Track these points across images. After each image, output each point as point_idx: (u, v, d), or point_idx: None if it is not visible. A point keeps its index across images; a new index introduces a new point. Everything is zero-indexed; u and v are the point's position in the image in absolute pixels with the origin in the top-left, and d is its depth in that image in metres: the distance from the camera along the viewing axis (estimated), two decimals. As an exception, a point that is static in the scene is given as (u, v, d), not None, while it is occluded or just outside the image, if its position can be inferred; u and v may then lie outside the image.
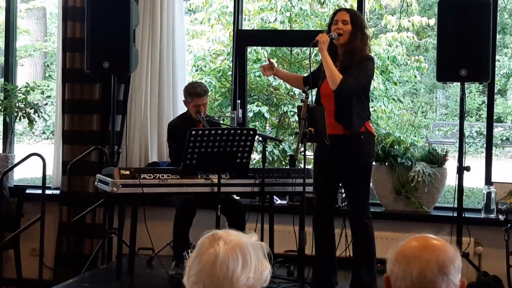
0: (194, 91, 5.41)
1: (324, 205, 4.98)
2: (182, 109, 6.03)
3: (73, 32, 6.20)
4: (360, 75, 4.78)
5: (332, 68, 4.74)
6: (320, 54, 4.82)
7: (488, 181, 5.86)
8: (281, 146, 8.70)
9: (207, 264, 1.94)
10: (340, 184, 5.14)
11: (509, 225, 5.21)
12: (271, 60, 5.31)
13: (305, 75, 5.37)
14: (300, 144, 4.61)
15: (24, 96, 6.46)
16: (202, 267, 1.95)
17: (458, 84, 5.46)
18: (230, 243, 1.97)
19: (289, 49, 9.49)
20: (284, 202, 6.05)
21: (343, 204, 5.45)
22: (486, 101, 6.33)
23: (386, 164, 5.87)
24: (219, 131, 4.93)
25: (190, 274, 1.98)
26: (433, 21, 9.85)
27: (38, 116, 6.53)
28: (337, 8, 9.09)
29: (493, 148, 6.19)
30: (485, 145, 6.08)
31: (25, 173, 8.52)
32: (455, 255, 2.03)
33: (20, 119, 6.50)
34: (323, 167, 4.95)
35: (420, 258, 1.99)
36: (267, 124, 9.37)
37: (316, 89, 4.98)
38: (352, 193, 4.94)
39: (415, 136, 10.53)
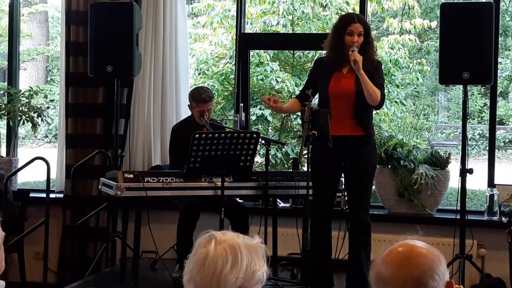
0: (200, 97, 5.42)
1: (325, 208, 4.98)
2: (185, 112, 6.04)
3: (76, 36, 6.22)
4: (383, 82, 5.01)
5: (372, 85, 4.82)
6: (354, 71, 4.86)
7: (491, 183, 5.86)
8: (284, 149, 8.70)
9: (198, 263, 1.99)
10: (343, 186, 5.18)
11: (512, 227, 5.22)
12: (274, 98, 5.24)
13: (297, 94, 5.36)
14: (303, 147, 4.63)
15: (27, 100, 6.47)
16: (194, 265, 2.00)
17: (460, 86, 5.47)
18: (222, 244, 2.00)
19: (292, 52, 9.50)
20: (287, 205, 6.06)
21: (346, 207, 5.46)
22: (488, 103, 6.34)
23: (389, 166, 5.88)
24: (223, 135, 4.94)
25: (186, 271, 2.03)
26: (435, 24, 9.84)
27: (42, 120, 6.54)
28: (339, 11, 9.14)
29: (496, 150, 6.19)
30: (487, 148, 6.09)
31: (28, 176, 8.53)
32: (433, 264, 1.97)
33: (23, 123, 6.52)
34: (328, 170, 4.95)
35: (397, 279, 1.95)
36: (270, 127, 9.38)
37: (321, 90, 5.00)
38: (361, 192, 4.95)
39: (417, 139, 10.52)
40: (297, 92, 8.82)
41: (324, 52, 5.13)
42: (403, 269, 1.95)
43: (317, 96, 5.10)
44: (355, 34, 4.88)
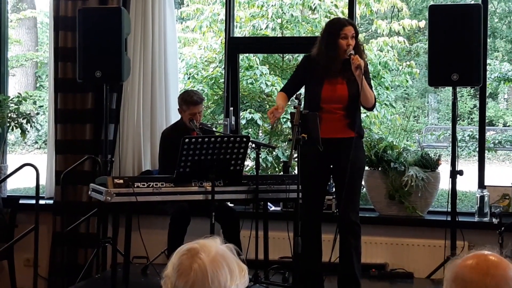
0: (191, 99, 5.41)
1: (315, 212, 4.98)
2: (175, 117, 6.03)
3: (65, 42, 6.20)
4: (371, 82, 5.04)
5: (369, 89, 4.88)
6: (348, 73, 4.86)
7: (481, 184, 5.87)
8: (274, 153, 8.70)
9: (197, 281, 1.89)
10: (333, 189, 5.18)
11: (502, 228, 5.22)
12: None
13: (284, 88, 5.19)
14: (293, 150, 4.62)
15: (16, 107, 6.44)
16: (191, 284, 1.89)
17: (450, 88, 5.48)
18: (211, 255, 1.92)
19: (281, 55, 9.51)
20: (278, 208, 6.05)
21: (336, 210, 5.46)
22: (478, 105, 6.35)
23: (379, 169, 5.88)
24: (212, 139, 4.93)
25: None
26: (423, 24, 9.87)
27: (31, 126, 6.51)
28: (328, 14, 9.15)
29: (486, 151, 6.20)
30: (477, 149, 6.10)
31: (18, 183, 8.49)
32: None
33: (12, 129, 6.49)
34: (318, 173, 4.95)
35: (479, 285, 1.92)
36: (260, 131, 9.37)
37: (312, 95, 4.98)
38: (351, 195, 4.92)
39: (407, 141, 10.55)
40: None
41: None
42: (489, 278, 1.93)
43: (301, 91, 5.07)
44: (349, 37, 4.87)
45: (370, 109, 5.05)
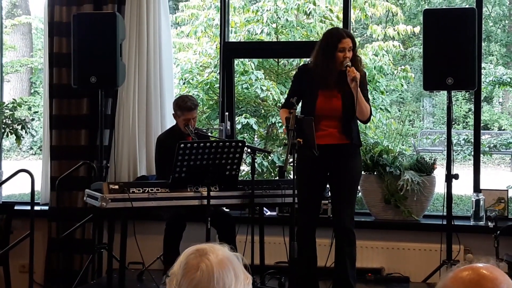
0: (185, 105, 5.40)
1: (311, 217, 4.97)
2: (170, 122, 6.02)
3: (60, 47, 6.19)
4: (368, 95, 5.05)
5: (365, 102, 4.87)
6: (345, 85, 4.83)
7: (477, 188, 5.88)
8: (270, 158, 8.69)
9: (203, 280, 1.90)
10: (329, 194, 5.17)
11: (498, 232, 5.23)
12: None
13: (283, 103, 5.20)
14: (289, 155, 4.61)
15: (11, 112, 6.43)
16: (196, 283, 1.90)
17: (445, 92, 5.48)
18: (219, 257, 1.93)
19: (276, 60, 9.51)
20: (274, 213, 6.04)
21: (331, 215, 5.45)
22: (473, 108, 6.36)
23: (375, 173, 5.88)
24: (208, 144, 4.93)
25: None
26: (418, 29, 9.89)
27: (26, 132, 6.50)
28: (323, 19, 9.16)
29: (481, 155, 6.20)
30: (473, 153, 6.11)
31: (13, 189, 8.48)
32: None
33: (7, 135, 6.47)
34: (314, 179, 4.94)
35: None
36: (256, 136, 9.37)
37: (307, 107, 4.97)
38: (346, 201, 4.93)
39: (403, 145, 10.55)
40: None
41: (308, 59, 5.10)
42: None
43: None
44: (346, 50, 4.86)
45: (365, 122, 5.05)
